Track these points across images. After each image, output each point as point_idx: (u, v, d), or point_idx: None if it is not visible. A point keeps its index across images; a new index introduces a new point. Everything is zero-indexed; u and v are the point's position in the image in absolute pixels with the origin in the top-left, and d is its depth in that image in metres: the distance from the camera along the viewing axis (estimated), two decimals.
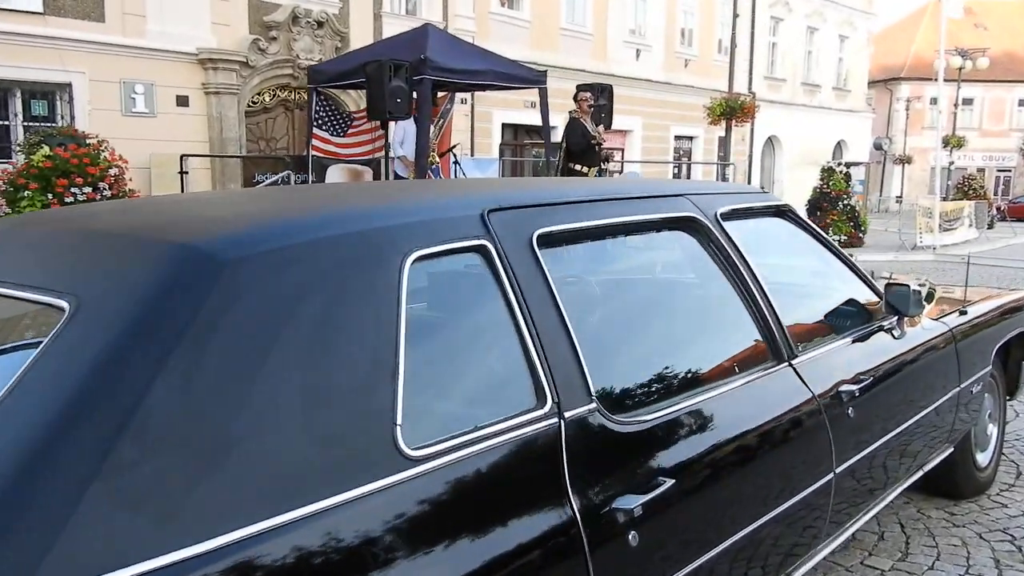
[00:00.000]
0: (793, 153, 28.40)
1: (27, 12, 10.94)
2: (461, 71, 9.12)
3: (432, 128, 9.22)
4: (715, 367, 2.20)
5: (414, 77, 8.69)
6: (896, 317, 2.90)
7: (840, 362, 2.56)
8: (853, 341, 2.72)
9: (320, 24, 14.04)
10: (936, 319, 3.30)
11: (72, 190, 7.38)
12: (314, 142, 10.30)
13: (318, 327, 1.38)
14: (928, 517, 3.70)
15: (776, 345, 2.33)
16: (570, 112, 9.00)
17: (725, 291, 2.32)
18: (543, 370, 1.65)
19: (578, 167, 8.71)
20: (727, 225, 2.42)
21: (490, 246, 1.71)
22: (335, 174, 10.33)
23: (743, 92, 21.90)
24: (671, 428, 1.86)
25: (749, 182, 26.87)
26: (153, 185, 11.75)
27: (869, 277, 3.00)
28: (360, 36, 14.38)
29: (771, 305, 2.36)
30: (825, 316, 2.85)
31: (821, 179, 18.55)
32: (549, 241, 1.87)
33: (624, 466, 1.72)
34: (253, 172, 9.81)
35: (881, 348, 2.79)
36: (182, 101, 12.59)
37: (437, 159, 10.98)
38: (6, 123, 11.14)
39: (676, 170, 23.95)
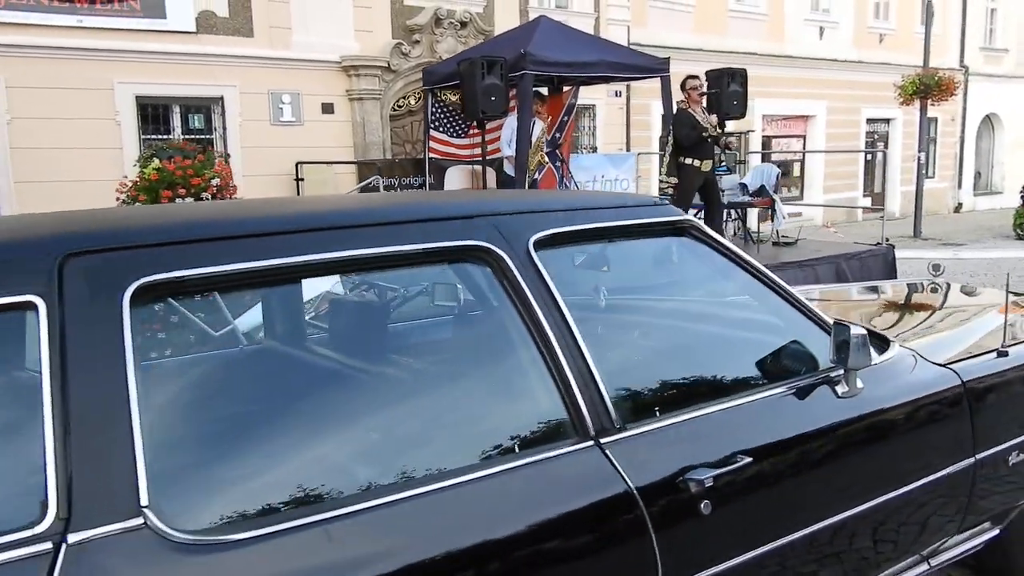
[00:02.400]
0: (1017, 133, 25.06)
1: (182, 32, 11.66)
2: (567, 64, 8.63)
3: (538, 125, 8.77)
4: (439, 455, 1.65)
5: (515, 73, 8.31)
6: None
7: (710, 435, 1.91)
8: (755, 402, 2.04)
9: (463, 24, 13.97)
10: (946, 364, 2.48)
11: (176, 200, 7.69)
12: (431, 144, 10.20)
13: None
14: None
15: (579, 417, 1.74)
16: (678, 102, 8.23)
17: (505, 346, 1.77)
18: (53, 473, 1.23)
19: (688, 162, 7.95)
20: (545, 255, 1.86)
21: (42, 305, 1.32)
22: (454, 175, 10.19)
23: (946, 67, 19.50)
24: (295, 546, 1.37)
25: (960, 168, 24.05)
26: (301, 192, 12.20)
27: (821, 315, 2.26)
28: None
29: (585, 363, 1.77)
30: (727, 367, 2.18)
31: None
32: (169, 292, 1.44)
33: None
34: (368, 176, 9.88)
35: (805, 411, 2.08)
36: (327, 108, 12.96)
37: (561, 158, 10.54)
38: (168, 137, 11.94)
39: (868, 157, 21.84)
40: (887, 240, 8.99)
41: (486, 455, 1.66)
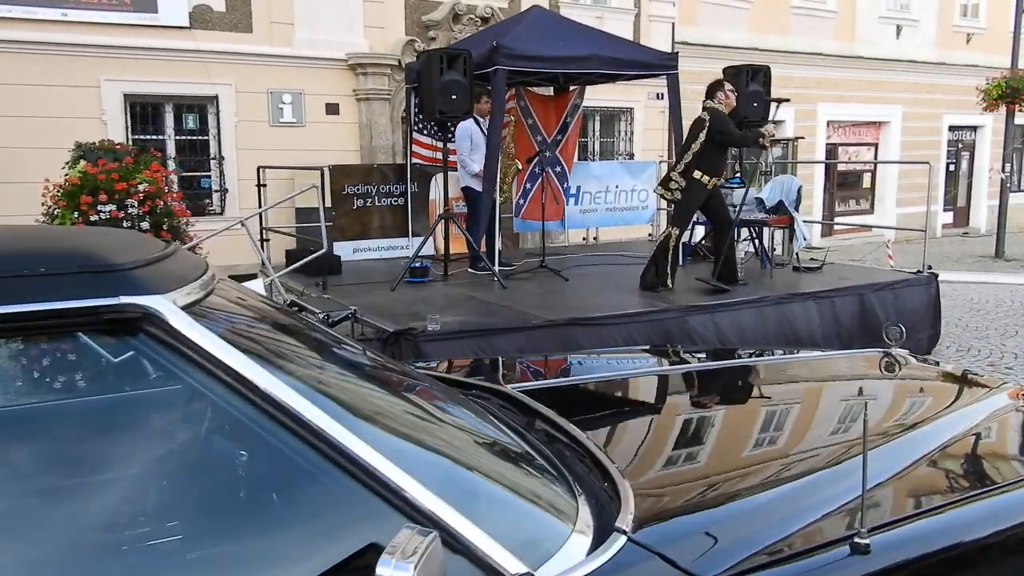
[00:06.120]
0: None
1: (175, 27, 11.03)
2: (549, 59, 7.50)
3: (513, 128, 7.67)
4: None
5: (487, 69, 7.26)
6: None
7: None
8: None
9: (485, 20, 12.99)
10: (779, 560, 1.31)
11: (97, 208, 6.92)
12: (414, 148, 9.22)
13: None
14: None
15: None
16: (704, 108, 6.85)
17: None
18: None
19: (698, 176, 6.72)
20: None
21: None
22: (440, 183, 9.18)
23: None
24: None
25: None
26: (297, 198, 11.41)
27: (412, 497, 1.13)
28: None
29: None
30: None
31: None
32: None
33: None
34: (343, 184, 8.94)
35: None
36: (332, 109, 12.17)
37: (562, 163, 9.42)
38: (162, 138, 11.34)
39: (952, 165, 19.86)
40: (929, 268, 7.52)
41: None
